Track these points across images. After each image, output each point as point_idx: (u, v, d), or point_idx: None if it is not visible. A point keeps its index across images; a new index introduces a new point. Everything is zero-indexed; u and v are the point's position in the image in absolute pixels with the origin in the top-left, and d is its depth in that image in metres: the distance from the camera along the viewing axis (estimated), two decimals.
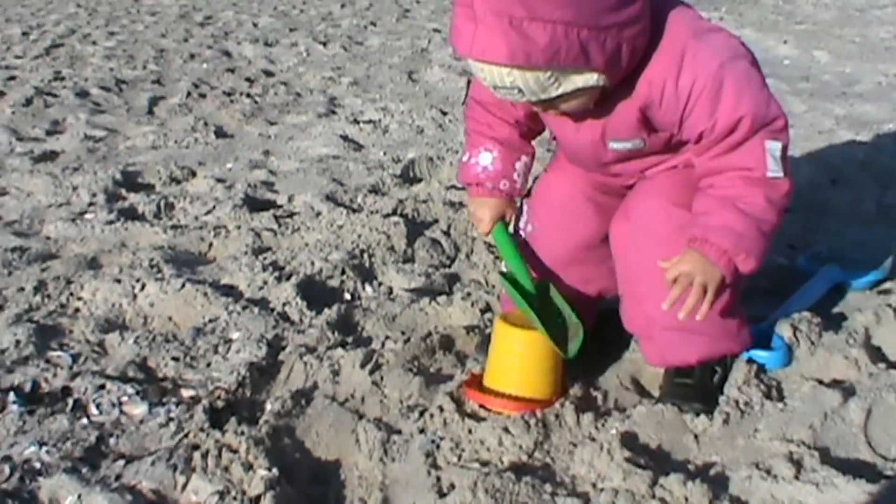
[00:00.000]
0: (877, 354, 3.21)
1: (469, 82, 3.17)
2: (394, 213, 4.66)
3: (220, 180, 5.32)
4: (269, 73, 8.41)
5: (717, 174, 2.69)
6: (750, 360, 3.06)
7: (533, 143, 3.19)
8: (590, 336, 3.05)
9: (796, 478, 2.51)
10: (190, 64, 9.00)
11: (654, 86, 2.63)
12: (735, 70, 2.59)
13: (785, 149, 2.66)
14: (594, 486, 2.59)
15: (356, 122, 6.49)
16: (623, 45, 2.48)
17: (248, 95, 7.48)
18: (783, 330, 3.23)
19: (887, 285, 3.80)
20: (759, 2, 11.40)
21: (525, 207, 3.27)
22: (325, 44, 9.62)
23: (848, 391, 2.89)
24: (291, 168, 5.58)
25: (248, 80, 8.12)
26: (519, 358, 2.97)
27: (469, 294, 3.73)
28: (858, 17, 10.34)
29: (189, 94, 7.57)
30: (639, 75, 2.64)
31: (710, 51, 2.60)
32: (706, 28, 2.70)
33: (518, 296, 2.99)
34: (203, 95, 7.56)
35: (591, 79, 2.50)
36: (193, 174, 5.54)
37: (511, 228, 3.20)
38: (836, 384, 2.98)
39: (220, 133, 6.46)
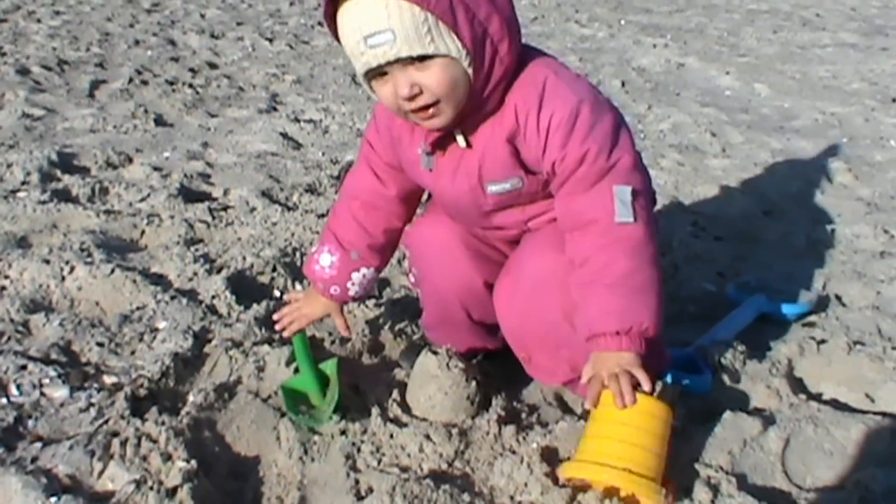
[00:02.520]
0: (798, 385, 3.26)
1: (345, 172, 3.13)
2: (328, 213, 4.63)
3: (156, 168, 5.29)
4: (212, 66, 8.36)
5: (571, 235, 2.67)
6: (674, 384, 3.10)
7: (379, 262, 3.13)
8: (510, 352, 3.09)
9: (713, 502, 2.54)
10: (134, 50, 8.93)
11: (519, 116, 2.62)
12: (590, 106, 2.59)
13: (636, 193, 2.61)
14: (512, 498, 2.60)
15: (297, 120, 6.48)
16: (488, 40, 2.48)
17: (191, 86, 7.43)
18: (708, 356, 3.27)
19: (812, 318, 3.86)
20: (704, 32, 11.49)
21: (407, 253, 3.26)
22: (271, 40, 9.59)
23: (768, 420, 2.93)
24: (229, 162, 5.56)
25: (191, 70, 8.07)
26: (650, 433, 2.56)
27: (398, 299, 3.74)
28: (800, 54, 10.46)
29: (131, 79, 7.51)
30: (503, 104, 2.63)
31: (569, 87, 2.61)
32: (567, 70, 2.70)
33: (292, 409, 2.93)
34: (145, 82, 7.50)
35: (460, 53, 2.44)
36: (130, 160, 5.50)
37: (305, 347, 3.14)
38: (756, 412, 3.02)
39: (159, 121, 6.42)
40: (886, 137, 6.95)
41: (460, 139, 2.69)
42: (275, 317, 3.25)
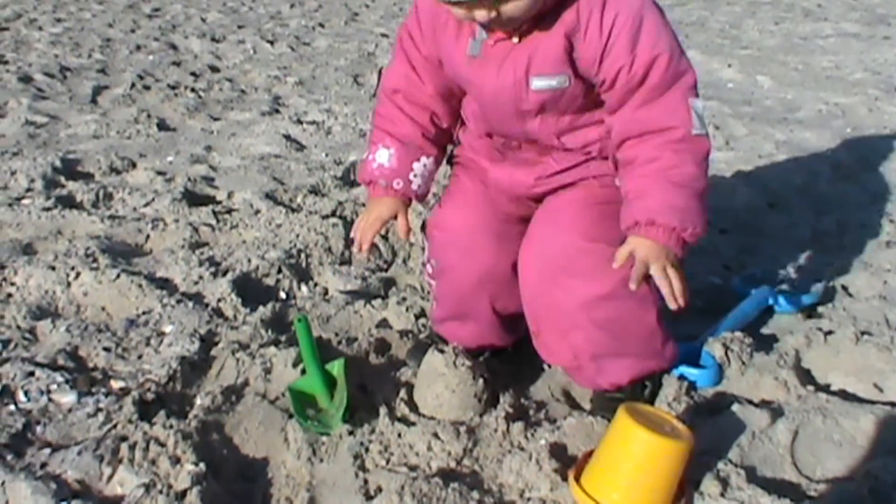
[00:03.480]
0: (806, 377, 3.26)
1: (381, 72, 3.10)
2: (333, 214, 4.66)
3: (160, 173, 5.29)
4: (214, 69, 8.37)
5: (639, 139, 2.69)
6: (681, 378, 3.09)
7: (436, 151, 3.10)
8: (520, 349, 3.12)
9: (722, 495, 2.53)
10: (136, 55, 8.94)
11: (582, 14, 2.62)
12: (654, 13, 2.63)
13: (703, 106, 2.71)
14: (521, 495, 2.60)
15: (299, 122, 6.48)
16: None
17: (193, 90, 7.44)
18: (715, 349, 3.26)
19: (819, 309, 3.86)
20: (706, 25, 11.48)
21: (425, 244, 3.23)
22: (272, 42, 9.59)
23: (776, 412, 2.93)
24: (232, 164, 5.56)
25: (193, 74, 8.08)
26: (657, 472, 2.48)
27: (404, 299, 3.74)
28: (802, 45, 10.44)
29: (133, 85, 7.51)
30: (565, 8, 2.63)
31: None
32: None
33: (300, 413, 2.91)
34: (147, 87, 7.51)
35: None
36: (134, 165, 5.50)
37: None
38: (764, 404, 3.02)
39: (162, 126, 6.42)
40: (891, 127, 6.94)
41: (514, 38, 2.71)
42: (351, 236, 3.17)
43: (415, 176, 3.03)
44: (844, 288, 4.08)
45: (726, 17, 12.17)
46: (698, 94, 2.71)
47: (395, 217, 3.07)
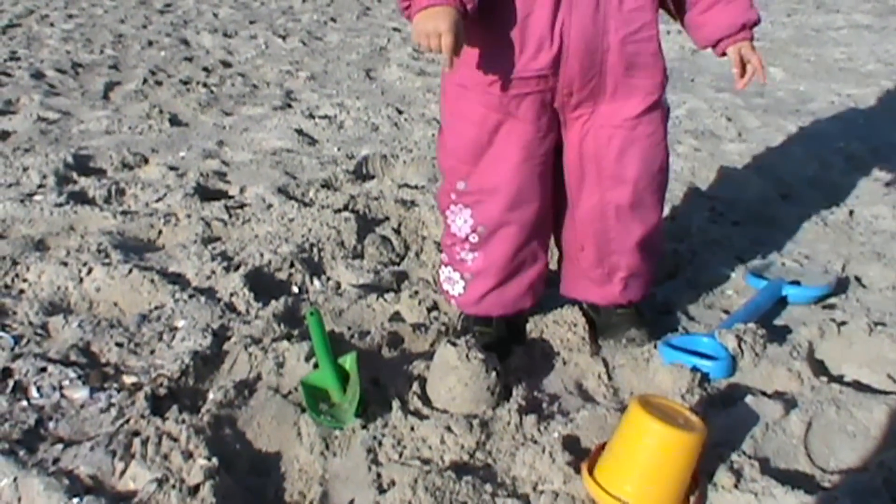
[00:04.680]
0: (819, 368, 3.25)
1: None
2: (345, 208, 4.65)
3: (172, 168, 5.29)
4: (226, 64, 8.35)
5: None
6: (694, 369, 3.09)
7: None
8: (529, 342, 3.24)
9: (736, 487, 2.53)
10: (147, 51, 8.93)
11: None
12: None
13: None
14: (535, 488, 2.60)
15: (311, 116, 6.47)
16: None
17: (205, 85, 7.43)
18: (728, 341, 3.25)
19: (831, 301, 3.85)
20: None
21: (454, 223, 3.26)
22: (284, 37, 9.57)
23: (790, 403, 2.93)
24: (245, 159, 5.55)
25: (205, 69, 8.07)
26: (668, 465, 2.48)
27: (417, 292, 3.73)
28: (814, 36, 10.41)
29: (145, 80, 7.51)
30: None
31: None
32: None
33: (312, 408, 2.90)
34: (159, 83, 7.51)
35: None
36: (146, 161, 5.50)
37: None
38: (778, 396, 3.02)
39: (174, 121, 6.42)
40: None
41: None
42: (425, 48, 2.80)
43: None
44: (857, 279, 4.08)
45: None
46: None
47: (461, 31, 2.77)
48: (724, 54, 3.18)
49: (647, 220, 3.24)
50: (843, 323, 3.49)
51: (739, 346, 3.23)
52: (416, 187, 5.02)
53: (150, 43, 9.31)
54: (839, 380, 3.18)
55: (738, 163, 5.64)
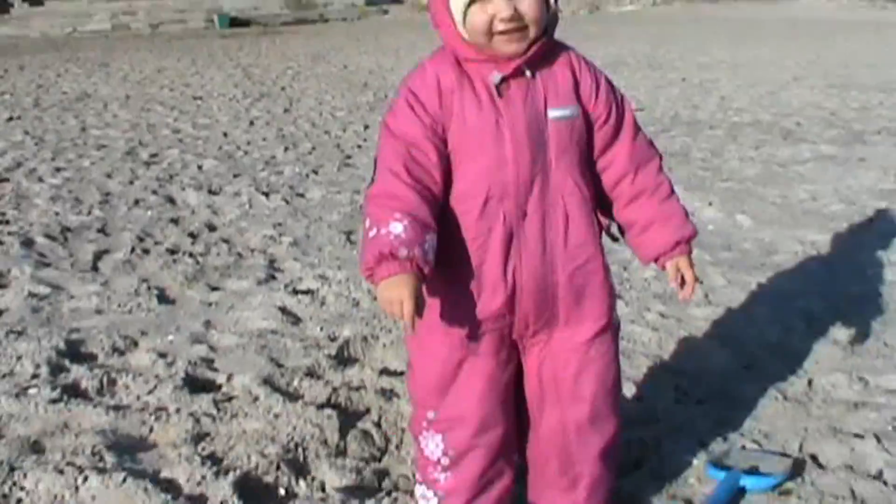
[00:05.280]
0: None
1: (376, 161, 3.23)
2: (328, 402, 4.85)
3: (161, 355, 5.48)
4: (211, 228, 8.57)
5: (637, 172, 3.31)
6: None
7: (435, 224, 3.13)
8: None
9: None
10: (134, 211, 9.18)
11: (573, 60, 3.28)
12: None
13: None
14: None
15: (295, 292, 6.67)
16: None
17: (191, 255, 7.64)
18: None
19: (788, 485, 4.07)
20: (689, 155, 11.73)
21: (426, 446, 3.52)
22: (267, 194, 9.80)
23: None
24: (231, 343, 5.76)
25: (191, 235, 8.28)
26: None
27: (396, 500, 3.93)
28: (781, 173, 10.70)
29: (133, 249, 7.74)
30: (561, 49, 3.28)
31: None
32: None
33: None
34: (147, 251, 7.73)
35: None
36: (136, 344, 5.69)
37: None
38: None
39: (162, 298, 6.63)
40: (863, 268, 7.19)
41: (528, 72, 3.16)
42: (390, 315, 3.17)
43: (428, 248, 3.07)
44: (813, 458, 4.31)
45: (708, 144, 12.43)
46: None
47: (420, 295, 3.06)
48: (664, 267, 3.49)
49: (605, 431, 3.52)
50: None
51: None
52: (395, 373, 5.22)
53: (137, 202, 9.54)
54: None
55: (703, 329, 5.87)
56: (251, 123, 14.53)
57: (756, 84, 18.68)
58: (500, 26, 3.02)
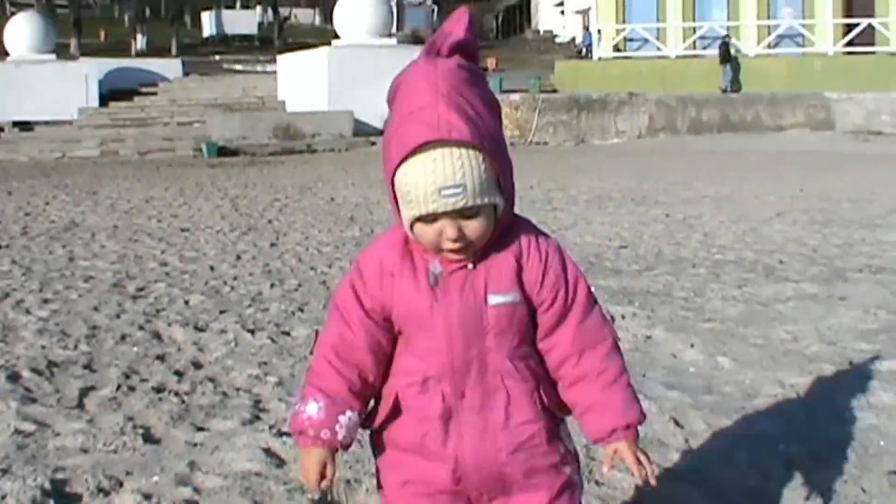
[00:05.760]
0: None
1: (317, 333, 3.50)
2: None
3: (146, 496, 5.50)
4: (197, 366, 8.60)
5: (581, 355, 3.32)
6: None
7: (360, 405, 3.43)
8: None
9: None
10: (121, 346, 9.22)
11: (522, 243, 3.28)
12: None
13: None
14: None
15: (280, 434, 6.70)
16: (511, 187, 3.16)
17: (177, 394, 7.67)
18: None
19: None
20: (672, 294, 11.79)
21: None
22: (252, 332, 9.84)
23: None
24: (215, 486, 5.78)
25: (177, 373, 8.32)
26: None
27: None
28: (762, 312, 10.77)
29: (119, 386, 7.78)
30: (510, 236, 3.28)
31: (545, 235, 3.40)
32: None
33: None
34: (132, 388, 7.76)
35: (499, 200, 3.12)
36: (121, 485, 5.71)
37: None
38: None
39: (147, 437, 6.65)
40: (842, 411, 7.25)
41: (469, 264, 3.23)
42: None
43: (339, 427, 3.38)
44: None
45: (691, 283, 12.51)
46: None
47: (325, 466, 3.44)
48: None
49: None
50: None
51: None
52: None
53: (123, 337, 9.59)
54: None
55: (682, 475, 5.93)
56: (238, 257, 14.61)
57: (739, 220, 18.84)
58: (447, 244, 3.12)
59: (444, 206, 3.01)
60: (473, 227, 3.09)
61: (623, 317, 10.47)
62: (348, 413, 3.39)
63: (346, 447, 3.51)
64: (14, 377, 7.97)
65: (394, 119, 3.10)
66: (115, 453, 6.35)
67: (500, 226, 3.19)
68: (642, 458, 3.35)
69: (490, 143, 3.03)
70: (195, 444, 6.57)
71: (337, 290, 3.47)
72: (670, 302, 11.48)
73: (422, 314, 3.31)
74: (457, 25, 3.09)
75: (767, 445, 6.50)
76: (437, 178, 2.97)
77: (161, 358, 8.84)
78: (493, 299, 3.24)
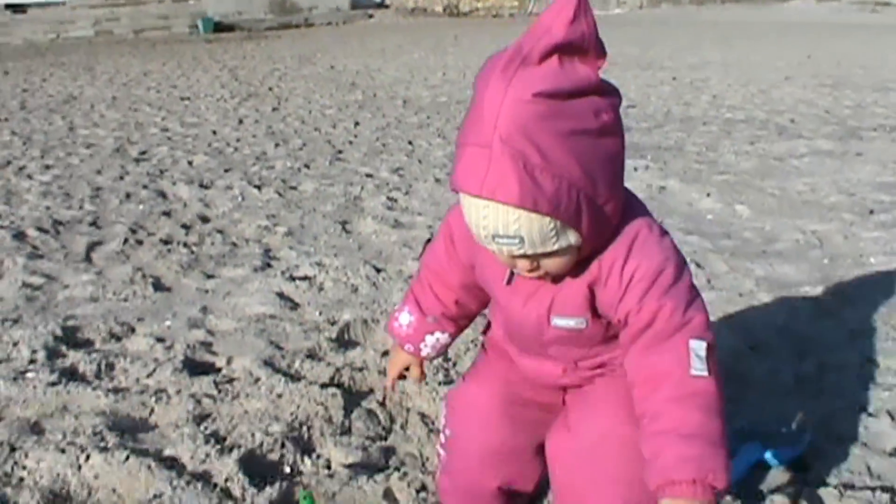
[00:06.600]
0: None
1: (427, 242, 3.30)
2: (331, 382, 4.81)
3: (159, 339, 5.42)
4: (204, 219, 8.50)
5: (643, 387, 2.73)
6: None
7: (454, 329, 3.41)
8: None
9: None
10: (126, 205, 9.08)
11: (604, 266, 2.76)
12: (674, 267, 2.74)
13: (709, 348, 2.71)
14: None
15: (292, 278, 6.61)
16: (603, 219, 2.62)
17: (185, 245, 7.57)
18: None
19: (806, 460, 4.01)
20: (684, 149, 11.65)
21: (443, 412, 3.46)
22: (259, 187, 9.72)
23: None
24: (229, 328, 5.70)
25: (184, 226, 8.21)
26: None
27: (406, 474, 3.87)
28: (777, 167, 10.63)
29: (126, 240, 7.65)
30: (594, 257, 2.77)
31: (658, 245, 2.77)
32: (657, 226, 2.86)
33: None
34: (140, 242, 7.65)
35: (579, 240, 2.61)
36: (133, 330, 5.63)
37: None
38: None
39: (157, 286, 6.56)
40: (866, 255, 7.15)
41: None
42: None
43: (424, 345, 3.41)
44: (828, 435, 4.23)
45: (703, 139, 12.35)
46: (706, 335, 2.74)
47: (408, 368, 3.54)
48: None
49: None
50: (816, 486, 3.65)
51: None
52: None
53: (128, 195, 9.45)
54: None
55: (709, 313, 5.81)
56: (240, 122, 14.40)
57: (748, 83, 18.59)
58: (521, 272, 2.77)
59: (502, 252, 2.65)
60: (548, 264, 2.69)
61: (636, 169, 10.33)
62: (437, 334, 3.39)
63: (430, 360, 3.53)
64: (20, 236, 7.83)
65: (462, 126, 2.60)
66: (125, 301, 6.25)
67: (586, 251, 2.74)
68: None
69: (556, 200, 2.47)
70: (206, 291, 6.47)
71: (449, 213, 3.21)
72: (683, 156, 11.34)
73: (495, 293, 3.13)
74: (557, 18, 2.50)
75: (792, 287, 6.39)
76: (489, 226, 2.54)
77: (167, 214, 8.70)
78: (557, 321, 2.92)
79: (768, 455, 3.99)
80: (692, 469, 2.58)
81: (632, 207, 2.84)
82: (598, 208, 2.57)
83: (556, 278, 2.83)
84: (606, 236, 2.73)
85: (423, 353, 3.44)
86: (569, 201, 2.48)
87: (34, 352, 5.18)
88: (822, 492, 3.62)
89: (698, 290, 2.84)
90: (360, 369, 4.97)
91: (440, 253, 3.25)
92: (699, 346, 2.69)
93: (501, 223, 2.51)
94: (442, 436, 3.43)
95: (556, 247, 2.57)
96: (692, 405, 2.64)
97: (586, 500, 3.04)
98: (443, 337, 3.40)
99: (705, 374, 2.66)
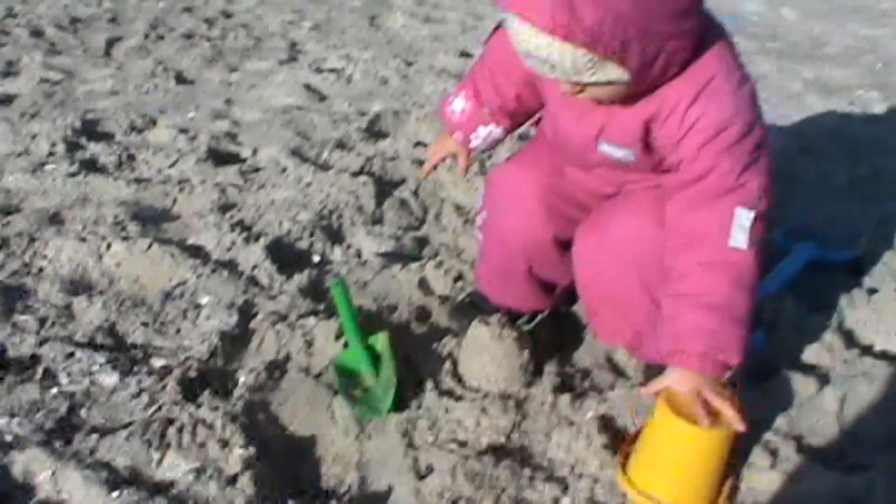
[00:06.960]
0: (850, 340, 3.23)
1: (497, 27, 3.01)
2: (361, 171, 4.62)
3: (182, 130, 5.22)
4: (227, 15, 8.24)
5: (678, 244, 2.54)
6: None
7: (509, 124, 3.13)
8: (560, 315, 3.24)
9: (772, 468, 2.53)
10: (146, 2, 8.81)
11: (667, 104, 2.50)
12: (742, 124, 2.45)
13: (756, 219, 2.48)
14: (573, 470, 2.59)
15: (319, 70, 6.40)
16: (661, 56, 2.32)
17: (208, 39, 7.33)
18: (762, 312, 3.21)
19: (860, 265, 3.81)
20: None
21: (481, 195, 3.25)
22: None
23: (823, 378, 2.93)
24: (255, 119, 5.50)
25: (206, 21, 7.96)
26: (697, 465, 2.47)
27: (441, 263, 3.70)
28: None
29: (147, 35, 7.42)
30: (652, 92, 2.50)
31: (731, 95, 2.46)
32: (739, 71, 2.53)
33: (346, 395, 2.89)
34: (161, 37, 7.42)
35: (622, 76, 2.32)
36: (154, 123, 5.43)
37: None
38: (810, 370, 3.01)
39: (180, 79, 6.35)
40: None
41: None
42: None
43: (475, 136, 3.19)
44: (885, 239, 4.02)
45: None
46: (758, 203, 2.49)
47: (454, 157, 3.31)
48: None
49: None
50: (873, 290, 3.50)
51: (770, 318, 3.20)
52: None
53: None
54: (869, 351, 3.16)
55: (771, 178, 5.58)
56: None
57: None
58: (564, 90, 2.48)
59: (537, 71, 2.39)
60: (592, 91, 2.42)
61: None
62: (490, 127, 3.13)
63: (478, 152, 3.30)
64: (37, 33, 7.59)
65: None
66: (146, 94, 6.05)
67: (639, 87, 2.45)
68: (716, 400, 2.47)
69: (596, 33, 2.18)
70: (230, 84, 6.26)
71: (497, 31, 3.05)
72: None
73: (549, 100, 2.87)
74: None
75: (842, 91, 6.15)
76: (521, 43, 2.30)
77: (188, 10, 8.44)
78: (604, 146, 2.70)
79: (823, 255, 3.82)
80: (704, 341, 2.45)
81: (715, 44, 2.50)
82: (655, 45, 2.29)
83: (608, 104, 2.57)
84: (670, 75, 2.43)
85: (473, 145, 3.20)
86: (612, 36, 2.20)
87: (53, 144, 4.98)
88: (881, 295, 3.43)
89: (767, 152, 2.52)
90: (392, 159, 4.78)
91: (508, 40, 2.87)
92: (745, 216, 2.47)
93: (533, 44, 2.27)
94: (479, 218, 3.25)
95: (593, 79, 2.32)
96: (722, 275, 2.47)
97: (599, 297, 2.95)
98: (496, 131, 3.15)
99: (744, 246, 2.47)
